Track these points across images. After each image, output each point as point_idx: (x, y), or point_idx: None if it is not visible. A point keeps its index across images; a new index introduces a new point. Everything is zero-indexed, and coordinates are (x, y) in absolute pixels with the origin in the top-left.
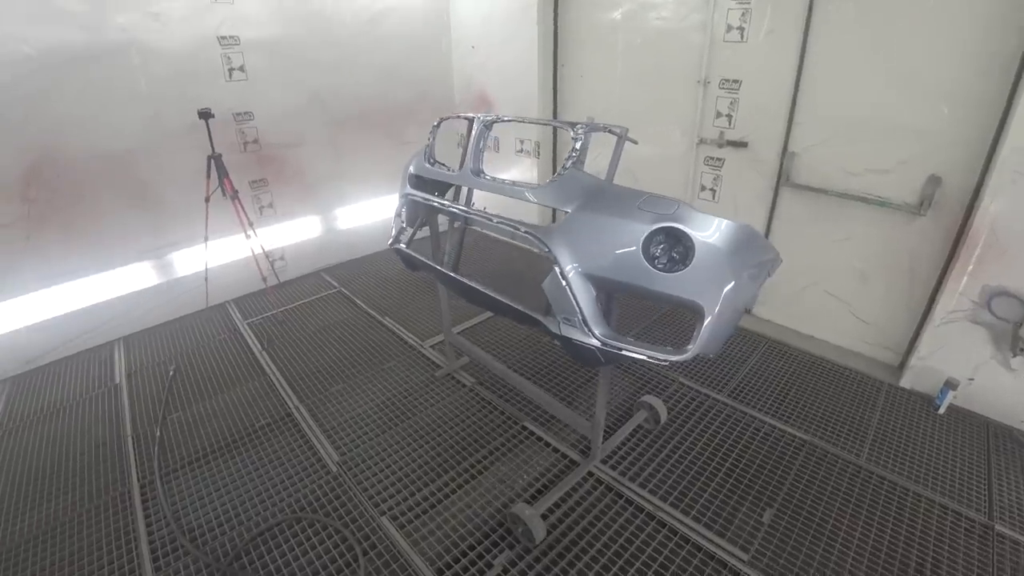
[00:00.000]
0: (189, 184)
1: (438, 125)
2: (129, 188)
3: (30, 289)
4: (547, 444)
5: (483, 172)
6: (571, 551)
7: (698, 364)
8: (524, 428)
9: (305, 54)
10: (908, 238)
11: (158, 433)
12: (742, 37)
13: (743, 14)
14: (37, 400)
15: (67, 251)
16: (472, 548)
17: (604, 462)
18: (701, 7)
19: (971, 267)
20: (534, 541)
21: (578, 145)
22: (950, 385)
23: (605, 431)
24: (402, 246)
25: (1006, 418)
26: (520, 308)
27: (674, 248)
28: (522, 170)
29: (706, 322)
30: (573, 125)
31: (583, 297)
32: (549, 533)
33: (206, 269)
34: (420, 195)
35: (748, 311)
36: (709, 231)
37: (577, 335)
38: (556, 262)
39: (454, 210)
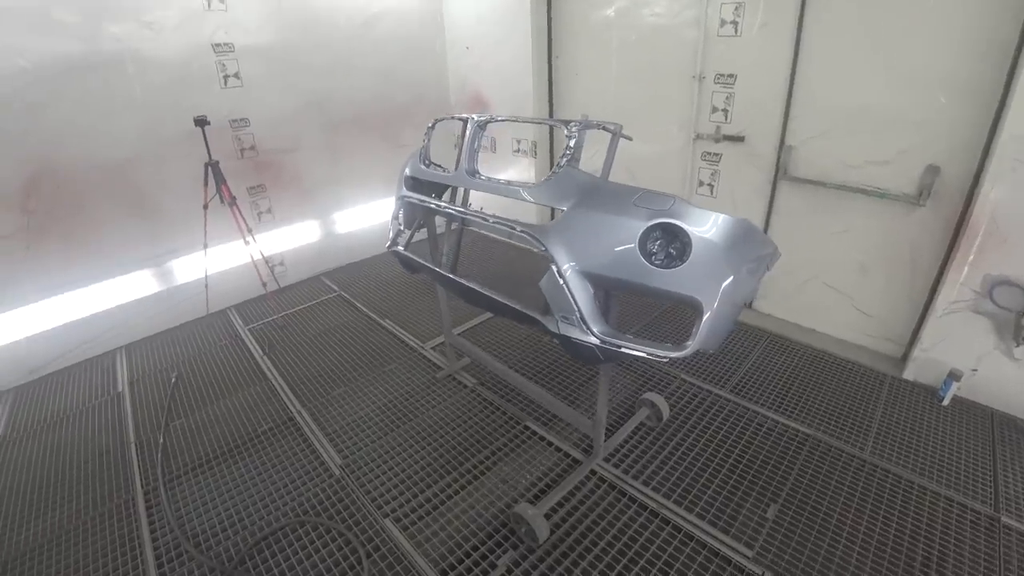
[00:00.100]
0: (187, 191)
1: (433, 127)
2: (128, 197)
3: (31, 300)
4: (549, 443)
5: (478, 172)
6: (575, 550)
7: (700, 360)
8: (526, 428)
9: (299, 59)
10: (908, 229)
11: (161, 440)
12: (736, 31)
13: (736, 8)
14: (41, 410)
15: (67, 261)
16: (476, 549)
17: (607, 460)
18: (694, 2)
19: (972, 256)
20: (538, 541)
21: (572, 143)
22: (953, 376)
23: (607, 429)
24: (400, 248)
25: (1011, 408)
26: (519, 307)
27: (671, 244)
28: (519, 170)
29: (705, 317)
30: (567, 123)
31: (581, 295)
32: (552, 532)
33: (206, 276)
34: (416, 197)
35: (748, 305)
36: (706, 226)
37: (576, 333)
38: (553, 260)
39: (451, 211)
